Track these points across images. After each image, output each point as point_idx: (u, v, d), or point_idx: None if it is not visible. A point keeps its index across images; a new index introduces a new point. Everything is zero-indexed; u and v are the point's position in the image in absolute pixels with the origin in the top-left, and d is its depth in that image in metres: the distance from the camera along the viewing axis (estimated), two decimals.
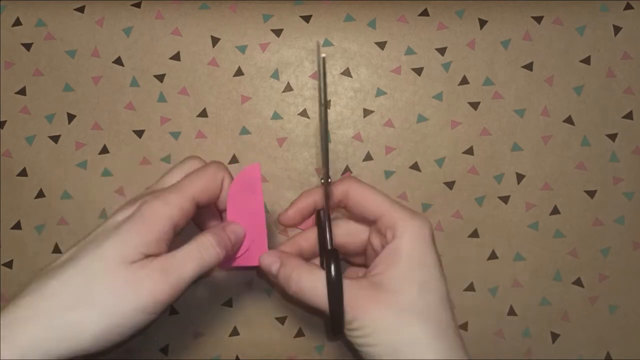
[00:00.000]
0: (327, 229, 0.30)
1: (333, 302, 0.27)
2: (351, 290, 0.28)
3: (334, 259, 0.28)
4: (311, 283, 0.29)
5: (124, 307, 0.26)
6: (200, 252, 0.29)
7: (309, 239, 0.34)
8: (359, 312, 0.27)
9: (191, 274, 0.28)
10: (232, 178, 0.33)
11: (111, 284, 0.27)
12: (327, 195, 0.30)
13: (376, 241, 0.32)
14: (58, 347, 0.26)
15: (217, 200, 0.33)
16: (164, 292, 0.27)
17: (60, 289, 0.27)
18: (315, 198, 0.33)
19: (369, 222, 0.32)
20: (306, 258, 0.33)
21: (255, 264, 0.33)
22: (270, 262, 0.31)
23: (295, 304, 0.38)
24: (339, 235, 0.33)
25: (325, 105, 0.26)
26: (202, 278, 0.34)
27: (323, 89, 0.25)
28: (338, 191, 0.32)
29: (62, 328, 0.26)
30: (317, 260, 0.35)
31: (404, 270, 0.28)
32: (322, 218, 0.32)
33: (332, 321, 0.27)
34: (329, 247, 0.29)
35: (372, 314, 0.27)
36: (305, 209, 0.33)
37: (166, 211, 0.29)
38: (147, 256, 0.28)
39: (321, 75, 0.25)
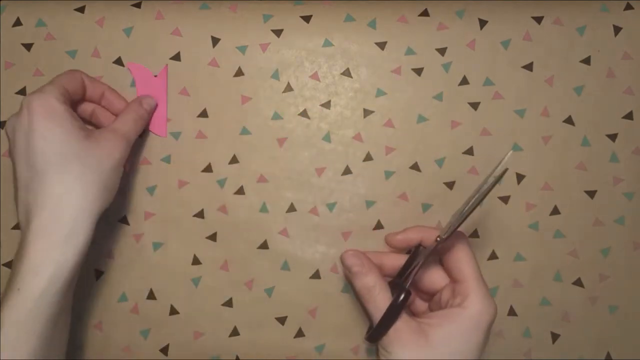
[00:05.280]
0: (413, 271, 0.34)
1: (384, 323, 0.33)
2: (402, 322, 0.33)
3: (406, 297, 0.33)
4: (379, 298, 0.34)
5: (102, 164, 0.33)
6: (134, 120, 0.36)
7: (394, 261, 0.37)
8: (396, 343, 0.33)
9: (133, 128, 0.36)
10: (89, 77, 0.37)
11: (78, 156, 0.32)
12: (434, 251, 0.34)
13: (446, 295, 0.35)
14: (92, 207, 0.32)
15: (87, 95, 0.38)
16: (119, 145, 0.34)
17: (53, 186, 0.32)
18: (425, 236, 0.36)
19: (452, 278, 0.35)
20: (382, 273, 0.36)
21: (158, 132, 0.40)
22: (354, 263, 0.35)
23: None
24: (424, 274, 0.36)
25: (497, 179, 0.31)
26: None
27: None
28: (446, 244, 0.35)
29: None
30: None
31: (448, 337, 0.32)
32: (417, 254, 0.36)
33: (375, 334, 0.33)
34: (407, 287, 0.33)
35: (403, 349, 0.32)
36: (413, 240, 0.36)
37: (44, 94, 0.33)
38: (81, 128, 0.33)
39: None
